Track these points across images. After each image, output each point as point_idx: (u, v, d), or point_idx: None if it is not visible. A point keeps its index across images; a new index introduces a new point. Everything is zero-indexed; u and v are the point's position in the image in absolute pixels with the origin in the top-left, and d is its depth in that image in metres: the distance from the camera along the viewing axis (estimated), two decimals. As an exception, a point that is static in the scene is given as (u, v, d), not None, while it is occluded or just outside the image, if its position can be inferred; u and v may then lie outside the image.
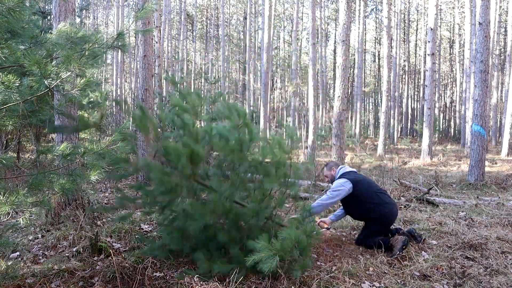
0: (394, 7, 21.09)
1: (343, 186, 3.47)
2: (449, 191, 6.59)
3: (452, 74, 32.10)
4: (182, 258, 3.00)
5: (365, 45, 30.93)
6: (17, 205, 2.15)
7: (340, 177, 3.60)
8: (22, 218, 2.37)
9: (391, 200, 3.64)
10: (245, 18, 27.96)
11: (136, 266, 2.77)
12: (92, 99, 11.15)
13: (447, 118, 32.94)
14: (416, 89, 34.62)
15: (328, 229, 3.59)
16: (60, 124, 4.21)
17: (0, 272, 2.54)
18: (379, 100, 34.40)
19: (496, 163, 10.74)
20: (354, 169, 3.78)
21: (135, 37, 15.44)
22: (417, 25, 33.21)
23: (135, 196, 3.39)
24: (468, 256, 3.23)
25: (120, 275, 2.66)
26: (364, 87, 29.40)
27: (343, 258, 3.14)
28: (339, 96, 7.63)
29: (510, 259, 3.17)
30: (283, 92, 32.16)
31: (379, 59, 34.07)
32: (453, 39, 30.54)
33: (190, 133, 2.53)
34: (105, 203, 5.17)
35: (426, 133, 12.10)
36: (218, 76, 24.81)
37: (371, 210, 3.46)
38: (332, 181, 3.75)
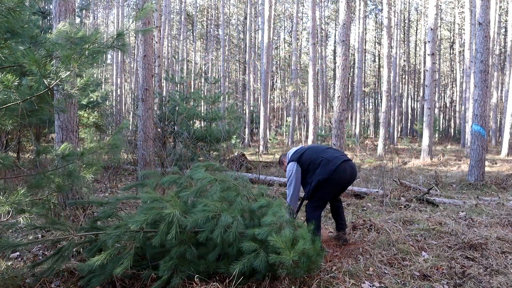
0: (394, 7, 21.10)
1: (290, 170, 3.36)
2: (449, 191, 6.59)
3: (452, 74, 32.11)
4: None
5: (365, 45, 30.94)
6: (16, 204, 2.15)
7: (288, 162, 3.46)
8: (22, 218, 2.37)
9: (341, 155, 3.39)
10: (245, 18, 27.97)
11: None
12: (92, 99, 11.15)
13: (447, 118, 32.95)
14: (416, 89, 34.63)
15: None
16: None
17: (0, 272, 2.54)
18: (379, 100, 34.41)
19: (496, 163, 10.74)
20: (300, 146, 3.65)
21: (135, 37, 15.44)
22: (417, 25, 33.24)
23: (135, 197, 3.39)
24: (468, 256, 3.23)
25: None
26: (364, 87, 29.42)
27: (343, 258, 3.14)
28: (339, 96, 7.63)
29: (510, 259, 3.16)
30: (283, 92, 32.16)
31: (379, 59, 34.09)
32: (453, 39, 30.55)
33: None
34: (105, 203, 5.16)
35: (426, 133, 12.11)
36: (218, 76, 24.81)
37: (318, 173, 3.25)
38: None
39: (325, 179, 3.21)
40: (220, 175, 2.89)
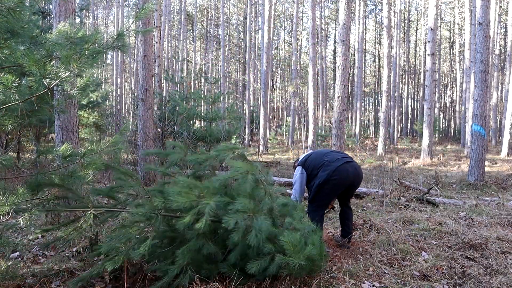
0: (394, 7, 21.10)
1: (296, 174, 3.45)
2: (449, 191, 6.59)
3: (452, 74, 32.12)
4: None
5: (365, 45, 30.94)
6: (16, 205, 2.15)
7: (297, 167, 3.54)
8: (22, 219, 2.37)
9: (343, 156, 3.38)
10: (245, 18, 27.97)
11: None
12: (92, 99, 11.15)
13: (447, 118, 32.95)
14: (416, 89, 34.64)
15: None
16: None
17: (0, 272, 2.54)
18: (379, 100, 34.41)
19: (496, 163, 10.74)
20: (311, 151, 3.70)
21: (135, 37, 15.44)
22: (417, 25, 33.24)
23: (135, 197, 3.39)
24: (468, 256, 3.23)
25: (119, 275, 2.66)
26: (364, 87, 29.43)
27: (343, 258, 3.14)
28: (339, 96, 7.63)
29: (510, 259, 3.16)
30: (283, 92, 32.16)
31: (379, 59, 34.09)
32: (453, 39, 30.55)
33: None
34: (105, 203, 5.16)
35: (426, 133, 12.11)
36: (218, 76, 24.81)
37: (319, 176, 3.27)
38: None
39: (325, 180, 3.21)
40: (251, 167, 2.64)
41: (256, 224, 2.29)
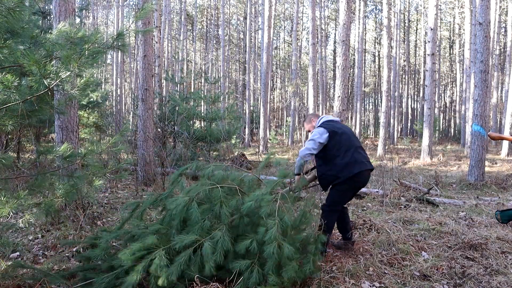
0: (394, 7, 21.09)
1: (317, 134, 3.16)
2: (449, 191, 6.59)
3: (452, 74, 32.12)
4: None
5: (365, 45, 30.94)
6: (17, 207, 2.14)
7: (319, 127, 3.26)
8: (22, 220, 2.37)
9: (367, 161, 3.22)
10: (245, 18, 27.97)
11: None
12: (92, 99, 11.15)
13: (447, 118, 32.95)
14: (416, 89, 34.63)
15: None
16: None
17: (0, 272, 2.54)
18: (379, 100, 34.42)
19: (496, 163, 10.73)
20: (338, 119, 3.42)
21: (135, 37, 15.44)
22: (417, 25, 33.24)
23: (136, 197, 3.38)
24: (468, 256, 3.23)
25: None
26: (364, 87, 29.43)
27: (343, 258, 3.14)
28: (339, 96, 7.63)
29: (510, 259, 3.16)
30: (283, 92, 32.16)
31: (379, 59, 34.09)
32: (453, 39, 30.55)
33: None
34: (105, 203, 5.17)
35: (426, 133, 12.11)
36: (218, 76, 24.81)
37: (337, 170, 3.08)
38: None
39: (349, 177, 3.06)
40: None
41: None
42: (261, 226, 2.49)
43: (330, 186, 3.21)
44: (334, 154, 3.13)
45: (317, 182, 3.45)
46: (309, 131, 3.56)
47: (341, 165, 3.08)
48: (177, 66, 24.56)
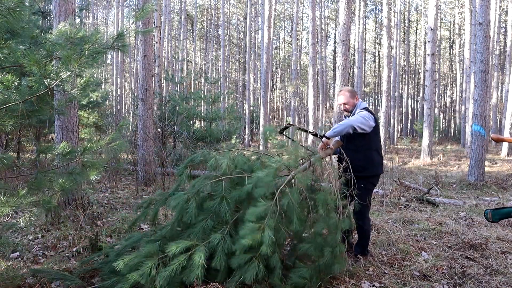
0: (394, 7, 21.09)
1: (370, 120, 2.96)
2: (449, 191, 6.59)
3: (452, 74, 32.11)
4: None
5: (365, 45, 30.93)
6: (17, 206, 2.14)
7: (366, 110, 3.06)
8: (22, 219, 2.37)
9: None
10: (245, 18, 27.96)
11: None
12: (92, 99, 11.14)
13: (447, 118, 32.95)
14: (416, 89, 34.64)
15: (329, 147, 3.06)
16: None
17: (0, 272, 2.54)
18: (379, 100, 34.41)
19: (496, 163, 10.73)
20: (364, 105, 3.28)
21: (135, 37, 15.44)
22: (417, 25, 33.23)
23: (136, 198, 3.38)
24: (468, 256, 3.23)
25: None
26: (364, 87, 29.43)
27: (343, 258, 3.14)
28: (339, 96, 7.62)
29: (510, 259, 3.17)
30: (283, 92, 32.17)
31: (379, 59, 34.09)
32: (453, 39, 30.56)
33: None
34: (105, 203, 5.17)
35: (426, 133, 12.11)
36: (218, 76, 24.81)
37: (374, 164, 3.04)
38: (350, 111, 3.18)
39: (376, 174, 3.14)
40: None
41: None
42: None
43: (359, 181, 2.99)
44: (373, 147, 3.06)
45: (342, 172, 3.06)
46: (345, 104, 3.19)
47: (379, 161, 3.12)
48: (177, 66, 24.56)
